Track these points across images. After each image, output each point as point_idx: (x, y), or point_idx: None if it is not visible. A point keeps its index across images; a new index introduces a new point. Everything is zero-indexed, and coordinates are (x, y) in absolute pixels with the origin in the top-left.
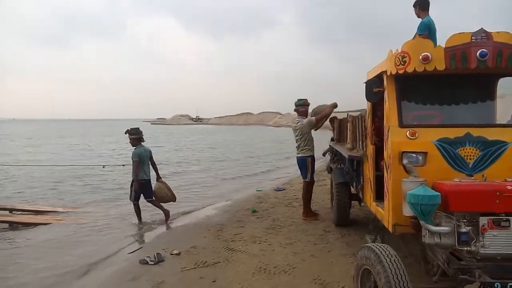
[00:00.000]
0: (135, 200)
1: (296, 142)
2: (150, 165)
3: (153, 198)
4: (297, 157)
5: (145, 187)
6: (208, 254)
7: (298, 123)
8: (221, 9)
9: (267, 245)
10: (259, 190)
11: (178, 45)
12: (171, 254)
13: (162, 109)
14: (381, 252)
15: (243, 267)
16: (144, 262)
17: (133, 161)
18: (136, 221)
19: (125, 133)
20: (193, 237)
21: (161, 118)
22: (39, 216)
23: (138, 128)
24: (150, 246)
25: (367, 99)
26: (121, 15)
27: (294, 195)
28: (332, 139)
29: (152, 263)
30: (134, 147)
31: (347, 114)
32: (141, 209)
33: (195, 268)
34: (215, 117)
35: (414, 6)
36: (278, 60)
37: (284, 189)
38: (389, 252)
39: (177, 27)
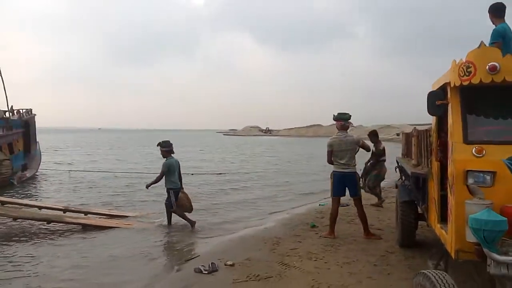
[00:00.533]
0: (174, 207)
1: (344, 157)
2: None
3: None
4: (348, 172)
5: (177, 194)
6: (262, 267)
7: (349, 138)
8: (294, 22)
9: (323, 263)
10: (322, 205)
11: (251, 59)
12: (225, 265)
13: (234, 121)
14: (437, 280)
15: (295, 284)
16: (198, 271)
17: (161, 171)
18: (193, 228)
19: (157, 146)
20: (249, 249)
21: (233, 129)
22: (110, 220)
23: (169, 141)
24: (207, 255)
25: (429, 113)
26: (197, 33)
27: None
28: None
29: (206, 272)
30: (165, 158)
31: (414, 128)
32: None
33: (246, 280)
34: (285, 129)
35: (488, 12)
36: (350, 72)
37: (348, 205)
38: (446, 281)
39: (250, 42)
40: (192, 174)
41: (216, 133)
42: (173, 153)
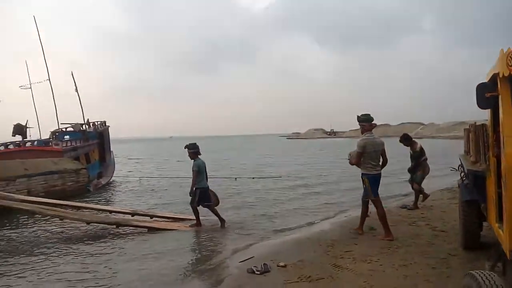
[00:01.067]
0: (197, 204)
1: (375, 158)
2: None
3: (211, 203)
4: (379, 173)
5: (204, 193)
6: (314, 269)
7: (377, 139)
8: (354, 20)
9: (377, 265)
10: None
11: (312, 61)
12: (278, 266)
13: (297, 124)
14: (484, 281)
15: (345, 286)
16: (250, 271)
17: (193, 171)
18: (223, 226)
19: (185, 148)
20: (302, 251)
21: (296, 133)
22: (172, 222)
23: (195, 143)
24: (261, 256)
25: (478, 106)
26: (258, 39)
27: (421, 214)
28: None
29: (258, 273)
30: (193, 160)
31: (475, 122)
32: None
33: (297, 282)
34: (350, 130)
35: None
36: (417, 68)
37: (410, 208)
38: (494, 282)
39: (311, 44)
40: (253, 178)
41: (279, 137)
42: (200, 154)
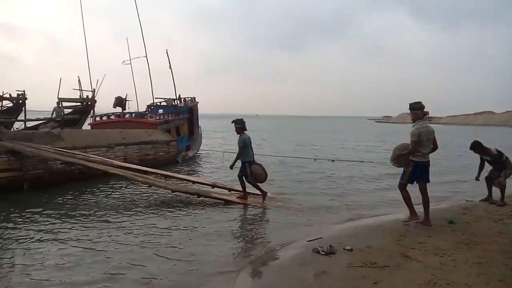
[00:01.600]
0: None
1: (427, 147)
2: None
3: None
4: (426, 161)
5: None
6: (380, 256)
7: (430, 128)
8: None
9: (449, 260)
10: (469, 200)
11: (407, 39)
12: (344, 249)
13: (388, 107)
14: None
15: (411, 276)
16: (316, 251)
17: (239, 146)
18: (264, 200)
19: (232, 123)
20: (372, 237)
21: (387, 116)
22: (249, 198)
23: (242, 119)
24: (329, 238)
25: None
26: (350, 15)
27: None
28: None
29: (323, 253)
30: (239, 135)
31: None
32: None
33: (362, 266)
34: (448, 116)
35: None
36: None
37: (498, 204)
38: None
39: (407, 20)
40: (333, 160)
41: (367, 120)
42: (245, 130)
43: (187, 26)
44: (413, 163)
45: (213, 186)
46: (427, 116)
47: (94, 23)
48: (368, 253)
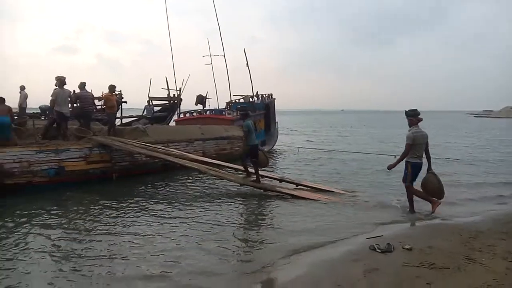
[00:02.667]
0: (247, 160)
1: (420, 150)
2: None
3: (257, 159)
4: (420, 163)
5: (254, 150)
6: (441, 257)
7: (424, 132)
8: None
9: None
10: None
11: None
12: (403, 248)
13: (488, 100)
14: None
15: (470, 280)
16: (372, 249)
17: (243, 131)
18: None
19: (237, 109)
20: (436, 238)
21: (488, 111)
22: (314, 193)
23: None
24: (391, 236)
25: None
26: (443, 4)
27: None
28: None
29: (380, 251)
30: (243, 121)
31: None
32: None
33: (418, 266)
34: None
35: None
36: None
37: None
38: None
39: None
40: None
41: (466, 114)
42: (249, 116)
43: (271, 24)
44: (411, 164)
45: (280, 180)
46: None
47: (182, 25)
48: (428, 253)
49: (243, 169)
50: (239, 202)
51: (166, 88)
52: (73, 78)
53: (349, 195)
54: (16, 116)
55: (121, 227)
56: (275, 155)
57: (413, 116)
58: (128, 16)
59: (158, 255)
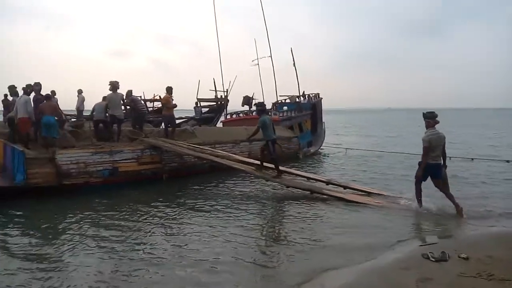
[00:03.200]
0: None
1: (437, 151)
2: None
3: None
4: (437, 164)
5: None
6: (502, 268)
7: (440, 134)
8: None
9: None
10: None
11: None
12: (459, 257)
13: None
14: None
15: None
16: (425, 257)
17: (258, 127)
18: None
19: (254, 105)
20: (498, 247)
21: None
22: (363, 196)
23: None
24: (446, 244)
25: None
26: None
27: None
28: None
29: (433, 260)
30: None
31: None
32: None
33: (475, 277)
34: None
35: None
36: None
37: None
38: None
39: None
40: (472, 159)
41: None
42: (265, 112)
43: (316, 22)
44: (426, 165)
45: (327, 182)
46: None
47: (229, 27)
48: (487, 263)
49: (259, 162)
50: (286, 204)
51: (214, 89)
52: (126, 81)
53: (400, 199)
54: (74, 118)
55: (169, 229)
56: (321, 156)
57: (430, 118)
58: (178, 19)
59: (196, 260)
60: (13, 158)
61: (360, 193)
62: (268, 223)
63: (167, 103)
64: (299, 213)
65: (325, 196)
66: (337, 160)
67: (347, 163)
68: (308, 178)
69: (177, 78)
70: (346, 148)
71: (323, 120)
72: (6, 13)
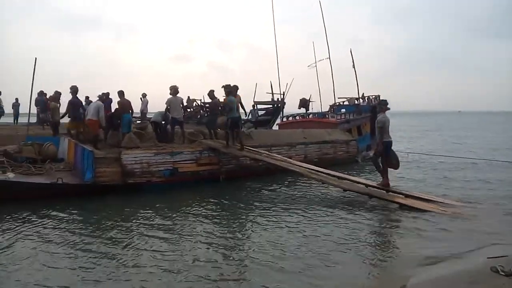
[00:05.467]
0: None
1: (389, 131)
2: None
3: None
4: (391, 141)
5: (390, 144)
6: None
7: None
8: None
9: None
10: None
11: None
12: None
13: None
14: None
15: None
16: (494, 270)
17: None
18: None
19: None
20: None
21: None
22: (426, 203)
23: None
24: None
25: None
26: None
27: None
28: None
29: (503, 274)
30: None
31: None
32: None
33: None
34: None
35: None
36: None
37: None
38: None
39: None
40: None
41: None
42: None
43: (374, 23)
44: (386, 143)
45: (387, 190)
46: None
47: (286, 30)
48: None
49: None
50: (344, 210)
51: (271, 92)
52: (187, 84)
53: (467, 207)
54: (138, 121)
55: (226, 231)
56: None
57: (384, 105)
58: (236, 24)
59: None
60: (83, 158)
61: (422, 201)
62: (324, 232)
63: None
64: (358, 220)
65: (385, 201)
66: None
67: (409, 168)
68: (367, 185)
69: (235, 81)
70: (408, 153)
71: None
72: (76, 24)
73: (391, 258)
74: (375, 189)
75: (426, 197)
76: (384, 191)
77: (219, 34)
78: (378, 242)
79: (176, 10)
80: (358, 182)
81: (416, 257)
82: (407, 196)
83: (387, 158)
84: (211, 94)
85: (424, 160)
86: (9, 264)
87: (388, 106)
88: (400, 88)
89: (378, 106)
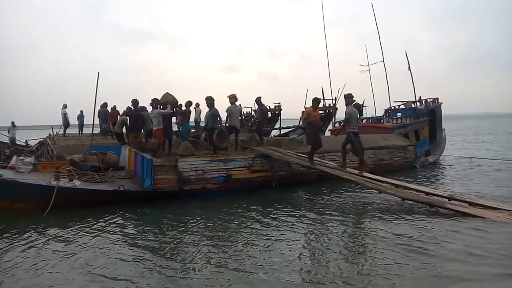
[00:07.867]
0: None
1: (355, 122)
2: None
3: None
4: (357, 131)
5: (355, 135)
6: None
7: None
8: None
9: None
10: None
11: None
12: None
13: None
14: None
15: None
16: None
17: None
18: None
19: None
20: None
21: None
22: (492, 212)
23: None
24: None
25: None
26: None
27: None
28: None
29: None
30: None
31: None
32: None
33: None
34: None
35: None
36: None
37: None
38: None
39: None
40: None
41: None
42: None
43: (428, 23)
44: (353, 133)
45: (449, 198)
46: None
47: (336, 34)
48: None
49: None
50: (402, 219)
51: (322, 98)
52: (238, 93)
53: None
54: (193, 129)
55: (281, 239)
56: (442, 167)
57: (349, 98)
58: (284, 31)
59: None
60: (142, 165)
61: (488, 209)
62: (380, 243)
63: (309, 116)
64: (419, 230)
65: (447, 210)
66: (460, 171)
67: (473, 174)
68: (427, 193)
69: (284, 88)
70: (471, 158)
71: (443, 127)
72: (135, 38)
73: (438, 273)
74: (436, 197)
75: (492, 205)
76: (446, 199)
77: (267, 42)
78: (444, 255)
79: (224, 22)
80: (418, 190)
81: (472, 272)
82: (471, 204)
83: (353, 147)
84: (258, 100)
85: (492, 164)
86: (80, 257)
87: (354, 99)
88: (455, 89)
89: (345, 100)
